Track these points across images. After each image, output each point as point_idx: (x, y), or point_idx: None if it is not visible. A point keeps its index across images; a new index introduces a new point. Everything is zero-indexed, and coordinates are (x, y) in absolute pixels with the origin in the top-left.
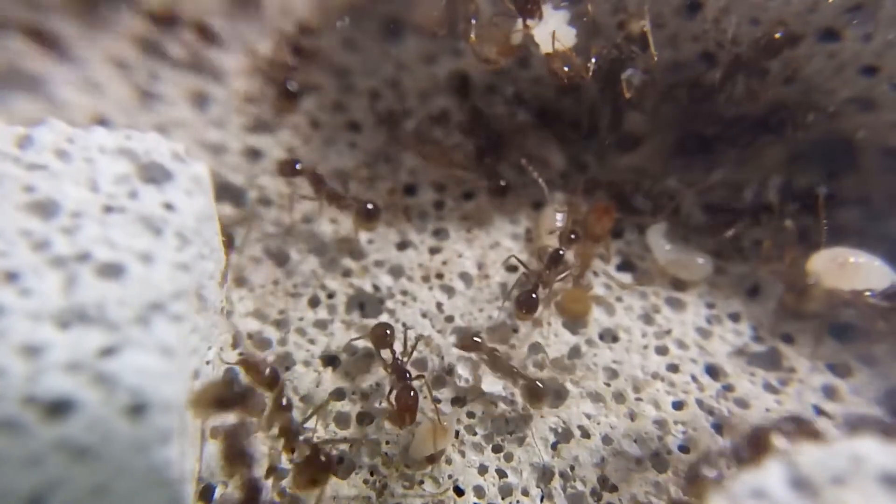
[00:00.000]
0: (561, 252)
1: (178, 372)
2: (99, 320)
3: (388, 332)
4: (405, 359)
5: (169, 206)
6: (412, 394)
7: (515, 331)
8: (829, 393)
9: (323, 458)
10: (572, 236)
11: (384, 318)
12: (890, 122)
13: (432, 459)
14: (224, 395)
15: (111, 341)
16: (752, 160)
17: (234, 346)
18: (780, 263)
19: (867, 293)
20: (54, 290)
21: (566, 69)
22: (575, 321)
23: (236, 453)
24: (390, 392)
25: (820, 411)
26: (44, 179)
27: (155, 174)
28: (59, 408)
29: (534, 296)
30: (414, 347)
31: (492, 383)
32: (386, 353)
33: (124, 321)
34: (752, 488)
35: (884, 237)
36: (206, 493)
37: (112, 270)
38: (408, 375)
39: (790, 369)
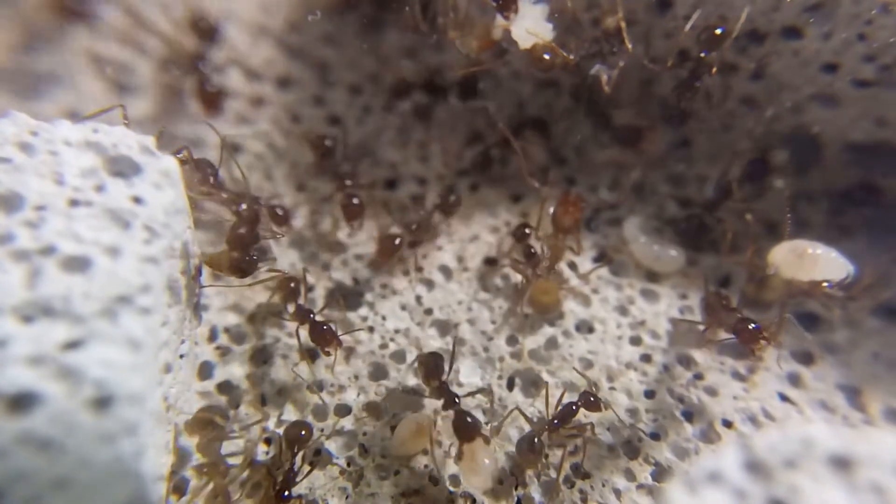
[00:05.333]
0: (533, 250)
1: (147, 364)
2: (64, 313)
3: (303, 433)
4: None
5: (137, 200)
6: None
7: (493, 322)
8: (794, 380)
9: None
10: (527, 230)
11: (364, 311)
12: (850, 117)
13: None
14: None
15: (76, 334)
16: (722, 155)
17: (210, 339)
18: (744, 255)
19: (824, 283)
20: (17, 283)
21: (547, 56)
22: (544, 312)
23: None
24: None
25: (784, 398)
26: (6, 173)
27: (123, 167)
28: (21, 401)
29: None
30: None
31: (469, 374)
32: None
33: (90, 314)
34: (708, 472)
35: (843, 229)
36: (179, 486)
37: (78, 263)
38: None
39: (757, 357)
